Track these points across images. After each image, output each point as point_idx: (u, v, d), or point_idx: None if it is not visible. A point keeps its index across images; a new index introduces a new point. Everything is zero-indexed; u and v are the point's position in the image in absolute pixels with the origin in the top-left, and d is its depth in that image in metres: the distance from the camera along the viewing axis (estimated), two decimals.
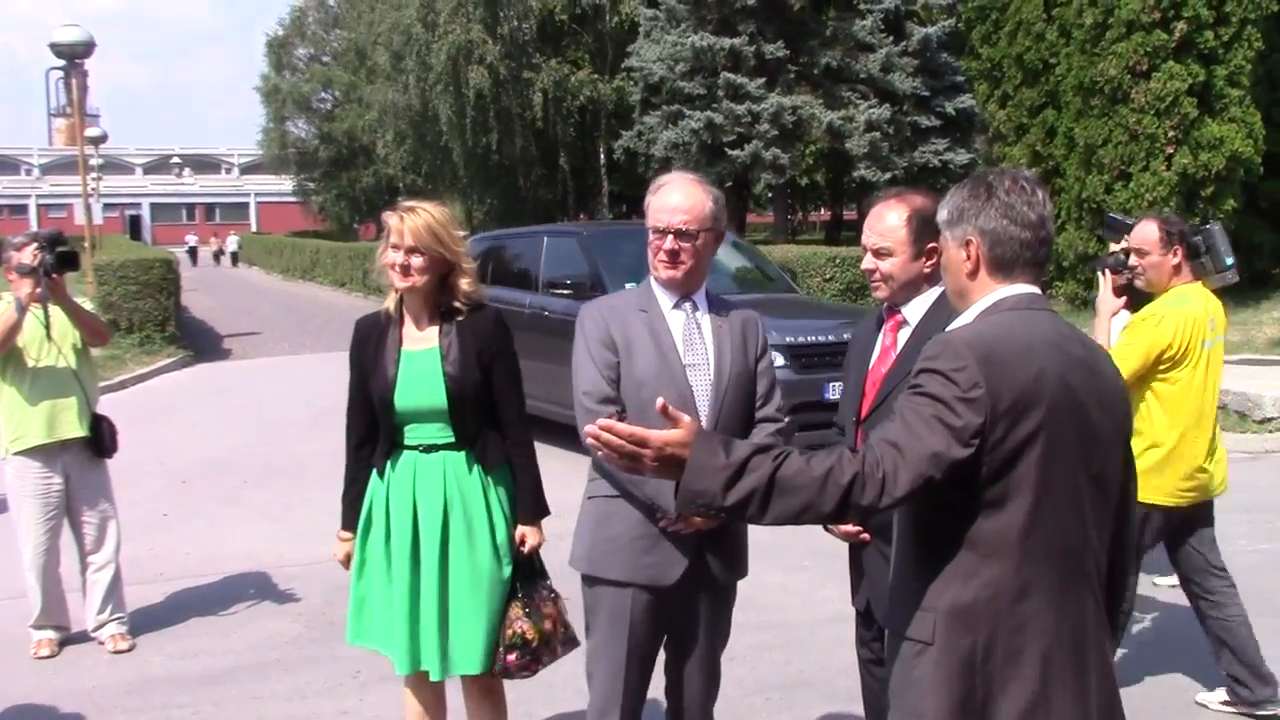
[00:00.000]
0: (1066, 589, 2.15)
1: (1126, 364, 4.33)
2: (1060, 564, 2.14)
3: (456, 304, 3.70)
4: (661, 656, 3.52)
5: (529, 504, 3.74)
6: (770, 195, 28.24)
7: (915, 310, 3.21)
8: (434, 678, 3.66)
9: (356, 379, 3.77)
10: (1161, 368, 4.51)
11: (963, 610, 2.14)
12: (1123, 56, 16.75)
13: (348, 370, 3.82)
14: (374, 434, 3.74)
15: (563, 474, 5.40)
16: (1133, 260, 4.70)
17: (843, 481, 2.02)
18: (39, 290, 5.25)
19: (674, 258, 3.30)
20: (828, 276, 17.39)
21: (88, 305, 5.83)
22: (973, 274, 2.30)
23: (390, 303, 3.74)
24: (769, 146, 25.61)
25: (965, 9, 22.75)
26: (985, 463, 2.08)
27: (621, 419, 3.26)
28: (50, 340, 5.40)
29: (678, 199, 3.31)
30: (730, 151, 25.90)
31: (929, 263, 3.13)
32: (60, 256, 5.29)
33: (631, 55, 29.50)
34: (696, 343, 3.35)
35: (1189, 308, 4.55)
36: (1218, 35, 16.81)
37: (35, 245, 5.28)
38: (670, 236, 3.28)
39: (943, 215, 2.36)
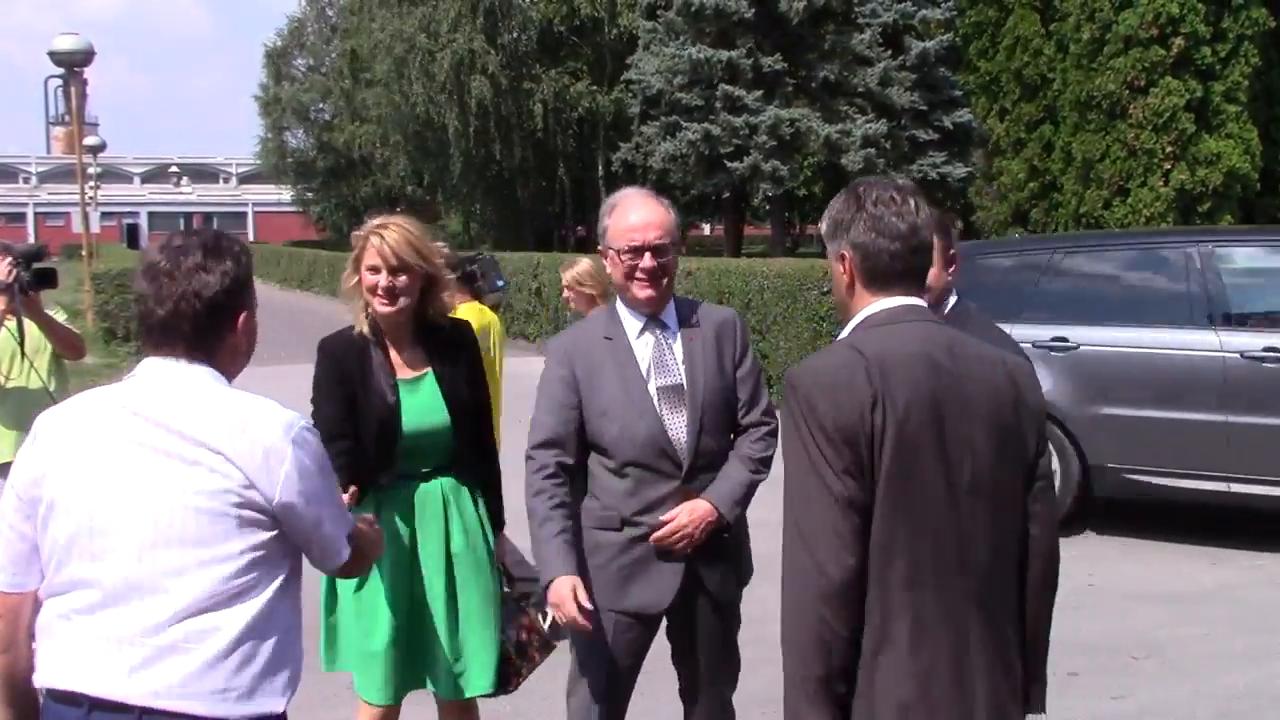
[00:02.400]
0: (944, 615, 2.10)
1: None
2: (933, 587, 2.10)
3: (436, 321, 3.55)
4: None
5: (497, 516, 3.69)
6: (768, 208, 28.30)
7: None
8: (447, 696, 3.55)
9: (338, 403, 3.44)
10: None
11: None
12: (1120, 72, 16.80)
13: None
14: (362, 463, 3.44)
15: None
16: None
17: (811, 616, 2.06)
18: (14, 305, 5.04)
19: (654, 275, 3.18)
20: (825, 290, 17.38)
21: (61, 317, 5.58)
22: (850, 288, 2.29)
23: (364, 325, 3.50)
24: (767, 158, 25.64)
25: (963, 24, 22.83)
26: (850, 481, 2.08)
27: (575, 462, 3.24)
28: (24, 356, 5.24)
29: (647, 214, 3.20)
30: (728, 163, 25.94)
31: (950, 269, 3.12)
32: (37, 274, 5.08)
33: (630, 67, 29.59)
34: (669, 364, 3.24)
35: (470, 319, 5.50)
36: (1215, 51, 16.86)
37: (10, 260, 5.04)
38: (648, 254, 3.16)
39: (824, 228, 2.35)
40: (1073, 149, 17.89)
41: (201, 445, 2.14)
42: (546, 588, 3.11)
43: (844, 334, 2.29)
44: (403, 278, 3.40)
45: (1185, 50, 16.65)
